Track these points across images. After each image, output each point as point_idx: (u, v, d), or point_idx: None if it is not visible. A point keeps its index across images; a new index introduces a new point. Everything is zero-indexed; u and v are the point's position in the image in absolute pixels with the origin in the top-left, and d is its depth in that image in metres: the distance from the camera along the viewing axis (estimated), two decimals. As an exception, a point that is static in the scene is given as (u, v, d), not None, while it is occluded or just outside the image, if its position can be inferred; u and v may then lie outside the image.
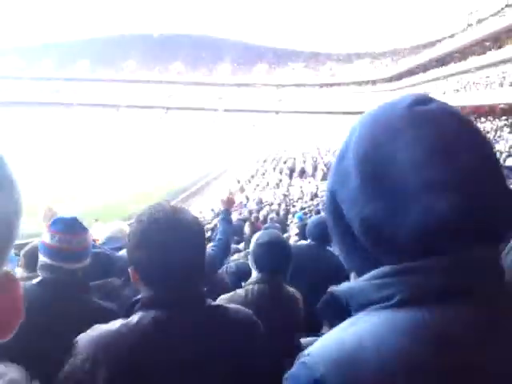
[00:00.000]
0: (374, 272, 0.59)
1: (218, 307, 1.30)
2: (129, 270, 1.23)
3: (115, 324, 1.17)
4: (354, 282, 0.63)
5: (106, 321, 1.35)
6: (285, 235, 7.73)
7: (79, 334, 1.18)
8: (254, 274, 2.21)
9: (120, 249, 3.07)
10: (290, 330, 2.15)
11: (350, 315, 0.61)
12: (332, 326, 0.60)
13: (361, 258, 0.63)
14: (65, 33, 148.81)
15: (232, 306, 1.37)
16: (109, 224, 3.85)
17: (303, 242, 6.37)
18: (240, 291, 2.13)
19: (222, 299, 2.06)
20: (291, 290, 2.26)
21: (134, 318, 1.17)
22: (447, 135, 0.55)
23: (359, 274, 0.63)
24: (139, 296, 1.23)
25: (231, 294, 2.12)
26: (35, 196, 17.23)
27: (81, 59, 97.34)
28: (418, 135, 0.55)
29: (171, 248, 1.16)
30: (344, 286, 0.63)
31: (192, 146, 49.06)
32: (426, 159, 0.53)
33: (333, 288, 0.64)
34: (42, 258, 1.81)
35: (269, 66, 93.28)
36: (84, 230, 1.93)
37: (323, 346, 0.58)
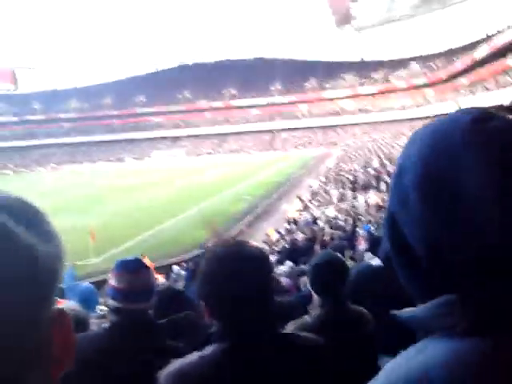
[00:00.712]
0: (438, 299, 0.57)
1: (289, 336, 1.34)
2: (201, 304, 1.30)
3: (192, 356, 1.25)
4: (418, 308, 0.60)
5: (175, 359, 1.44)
6: (352, 251, 7.58)
7: (151, 374, 1.26)
8: (315, 298, 2.20)
9: None
10: (362, 350, 2.11)
11: (414, 341, 0.60)
12: (390, 350, 0.63)
13: (422, 283, 0.61)
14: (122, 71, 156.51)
15: (303, 334, 1.42)
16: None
17: (374, 261, 6.21)
18: (307, 317, 2.13)
19: (293, 323, 2.08)
20: (358, 308, 2.23)
21: (208, 350, 1.23)
22: None
23: (420, 299, 0.61)
24: (213, 329, 1.29)
25: (299, 320, 2.12)
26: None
27: (138, 94, 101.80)
28: (485, 157, 0.52)
29: (237, 282, 1.21)
30: (408, 312, 0.61)
31: (251, 166, 49.74)
32: (494, 187, 0.51)
33: (396, 312, 0.62)
34: (110, 302, 1.87)
35: (320, 79, 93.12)
36: (147, 269, 1.98)
37: (393, 369, 0.58)
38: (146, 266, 2.00)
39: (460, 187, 0.52)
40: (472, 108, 0.60)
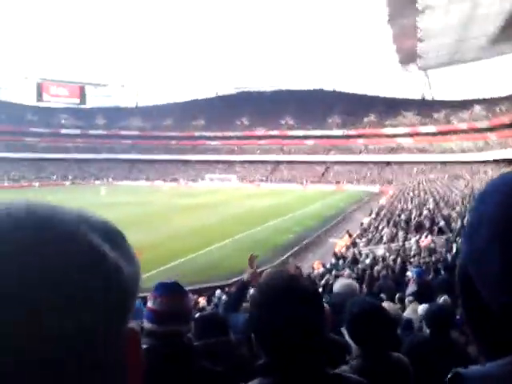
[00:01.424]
0: (510, 358, 0.54)
1: (336, 376, 1.31)
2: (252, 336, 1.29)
3: None
4: (487, 366, 0.57)
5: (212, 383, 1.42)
6: (399, 294, 7.33)
7: None
8: (354, 347, 2.11)
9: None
10: None
11: None
12: None
13: (493, 341, 0.58)
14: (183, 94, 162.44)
15: (351, 376, 1.41)
16: (341, 280, 4.14)
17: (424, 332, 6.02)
18: (345, 367, 2.04)
19: None
20: (397, 356, 2.15)
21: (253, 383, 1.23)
22: None
23: (488, 357, 0.58)
24: (260, 362, 1.26)
25: (337, 371, 2.04)
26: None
27: (197, 118, 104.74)
28: None
29: (287, 316, 1.19)
30: (476, 370, 0.58)
31: (302, 197, 49.65)
32: None
33: (460, 370, 0.58)
34: (146, 325, 1.89)
35: (380, 115, 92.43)
36: (184, 292, 2.01)
37: None
38: (184, 290, 2.03)
39: None
40: None
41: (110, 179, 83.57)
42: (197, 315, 3.48)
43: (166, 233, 26.87)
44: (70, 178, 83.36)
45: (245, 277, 3.77)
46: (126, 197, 50.95)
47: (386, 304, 5.02)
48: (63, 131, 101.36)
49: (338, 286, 3.74)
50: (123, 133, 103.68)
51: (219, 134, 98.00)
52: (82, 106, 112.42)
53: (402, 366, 2.12)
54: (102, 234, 0.49)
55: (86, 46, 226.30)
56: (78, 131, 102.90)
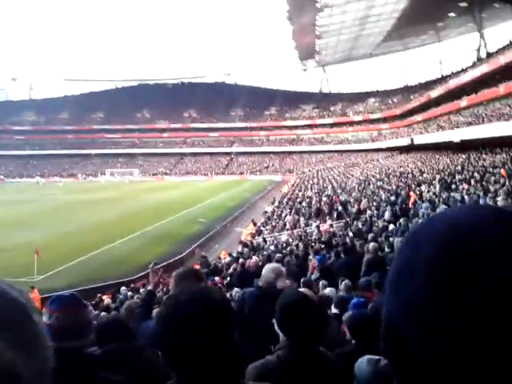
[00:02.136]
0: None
1: None
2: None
3: None
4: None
5: None
6: (304, 278, 7.60)
7: None
8: (282, 338, 2.10)
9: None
10: None
11: None
12: None
13: None
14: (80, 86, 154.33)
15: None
16: (268, 265, 4.06)
17: (329, 290, 6.23)
18: (270, 357, 2.04)
19: (254, 367, 1.99)
20: (327, 353, 2.16)
21: None
22: None
23: None
24: (170, 382, 1.19)
25: (262, 361, 2.02)
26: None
27: (96, 111, 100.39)
28: None
29: (197, 332, 1.11)
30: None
31: (207, 188, 49.62)
32: None
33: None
34: None
35: (281, 108, 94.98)
36: (82, 305, 1.93)
37: None
38: (82, 302, 1.94)
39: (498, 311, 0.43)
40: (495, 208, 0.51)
41: (1, 177, 77.53)
42: (99, 320, 3.40)
43: (66, 230, 25.53)
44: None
45: (150, 286, 3.82)
46: (21, 194, 47.68)
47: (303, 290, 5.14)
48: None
49: (265, 270, 3.79)
50: (16, 128, 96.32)
51: (119, 127, 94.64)
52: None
53: (326, 361, 2.12)
54: None
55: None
56: None
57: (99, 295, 13.42)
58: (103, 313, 9.37)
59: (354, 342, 2.73)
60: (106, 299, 12.74)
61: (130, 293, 12.96)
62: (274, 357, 2.04)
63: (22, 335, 0.41)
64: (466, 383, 0.44)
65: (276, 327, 2.12)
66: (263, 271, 3.84)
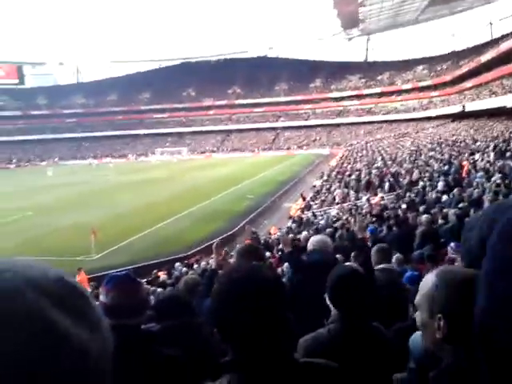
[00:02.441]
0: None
1: (306, 364, 1.28)
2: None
3: None
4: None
5: (171, 370, 1.46)
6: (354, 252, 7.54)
7: None
8: (333, 312, 2.13)
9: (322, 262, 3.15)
10: (380, 373, 2.03)
11: None
12: None
13: None
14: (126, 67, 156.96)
15: (316, 361, 1.36)
16: (313, 237, 4.19)
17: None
18: (322, 331, 2.06)
19: (305, 340, 2.02)
20: (379, 328, 2.17)
21: (222, 383, 1.20)
22: None
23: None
24: (226, 358, 1.23)
25: (313, 334, 2.05)
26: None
27: (142, 91, 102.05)
28: None
29: (248, 309, 1.15)
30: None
31: (255, 164, 49.81)
32: None
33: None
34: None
35: (326, 80, 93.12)
36: (137, 283, 2.00)
37: None
38: (137, 281, 2.01)
39: None
40: None
41: (57, 159, 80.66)
42: (157, 296, 3.50)
43: (118, 211, 26.39)
44: (14, 160, 79.97)
45: (213, 265, 3.79)
46: (74, 176, 49.53)
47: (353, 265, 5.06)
48: (3, 113, 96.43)
49: (311, 242, 3.80)
50: (66, 111, 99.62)
51: (166, 106, 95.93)
52: (21, 87, 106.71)
53: (379, 336, 2.14)
54: (56, 299, 0.41)
55: (21, 24, 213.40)
56: (18, 112, 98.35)
57: (155, 272, 13.78)
58: (160, 289, 9.71)
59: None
60: (162, 275, 13.12)
61: (184, 268, 13.33)
62: (325, 330, 2.07)
63: (84, 317, 0.43)
64: None
65: (327, 301, 2.15)
66: (308, 244, 3.86)
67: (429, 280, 1.22)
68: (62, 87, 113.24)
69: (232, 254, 8.08)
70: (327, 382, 1.28)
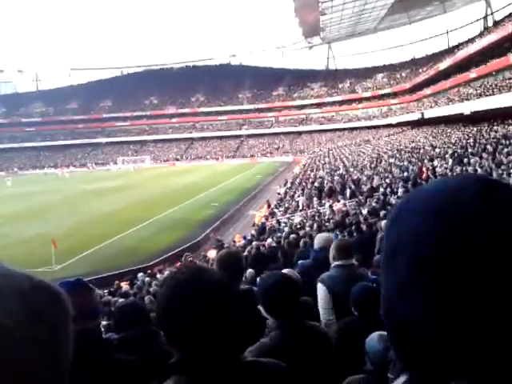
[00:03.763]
0: None
1: (252, 364, 1.30)
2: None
3: None
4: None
5: (126, 375, 1.46)
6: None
7: None
8: (270, 320, 2.18)
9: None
10: (321, 371, 2.12)
11: None
12: None
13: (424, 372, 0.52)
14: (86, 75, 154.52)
15: (264, 360, 1.37)
16: (318, 235, 4.35)
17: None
18: (264, 340, 2.11)
19: (250, 351, 2.04)
20: (315, 325, 2.26)
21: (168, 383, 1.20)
22: None
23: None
24: (173, 360, 1.22)
25: (257, 345, 2.09)
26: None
27: (104, 99, 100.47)
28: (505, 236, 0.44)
29: (194, 311, 1.15)
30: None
31: (219, 173, 49.67)
32: None
33: None
34: None
35: (288, 88, 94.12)
36: (88, 289, 2.04)
37: None
38: (88, 286, 2.06)
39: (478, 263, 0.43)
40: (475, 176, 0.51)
41: (15, 169, 78.24)
42: (116, 306, 3.47)
43: (79, 220, 25.85)
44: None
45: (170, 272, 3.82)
46: (34, 186, 48.14)
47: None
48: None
49: (317, 241, 3.97)
50: (25, 120, 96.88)
51: (128, 114, 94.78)
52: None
53: (318, 333, 2.22)
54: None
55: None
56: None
57: (117, 282, 13.57)
58: (121, 299, 9.54)
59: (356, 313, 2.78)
60: (124, 286, 12.91)
61: (147, 278, 13.14)
62: (267, 339, 2.11)
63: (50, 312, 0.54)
64: (456, 354, 0.44)
65: (263, 312, 2.19)
66: (315, 242, 4.04)
67: None
68: (21, 95, 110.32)
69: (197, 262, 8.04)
70: (272, 380, 1.29)
